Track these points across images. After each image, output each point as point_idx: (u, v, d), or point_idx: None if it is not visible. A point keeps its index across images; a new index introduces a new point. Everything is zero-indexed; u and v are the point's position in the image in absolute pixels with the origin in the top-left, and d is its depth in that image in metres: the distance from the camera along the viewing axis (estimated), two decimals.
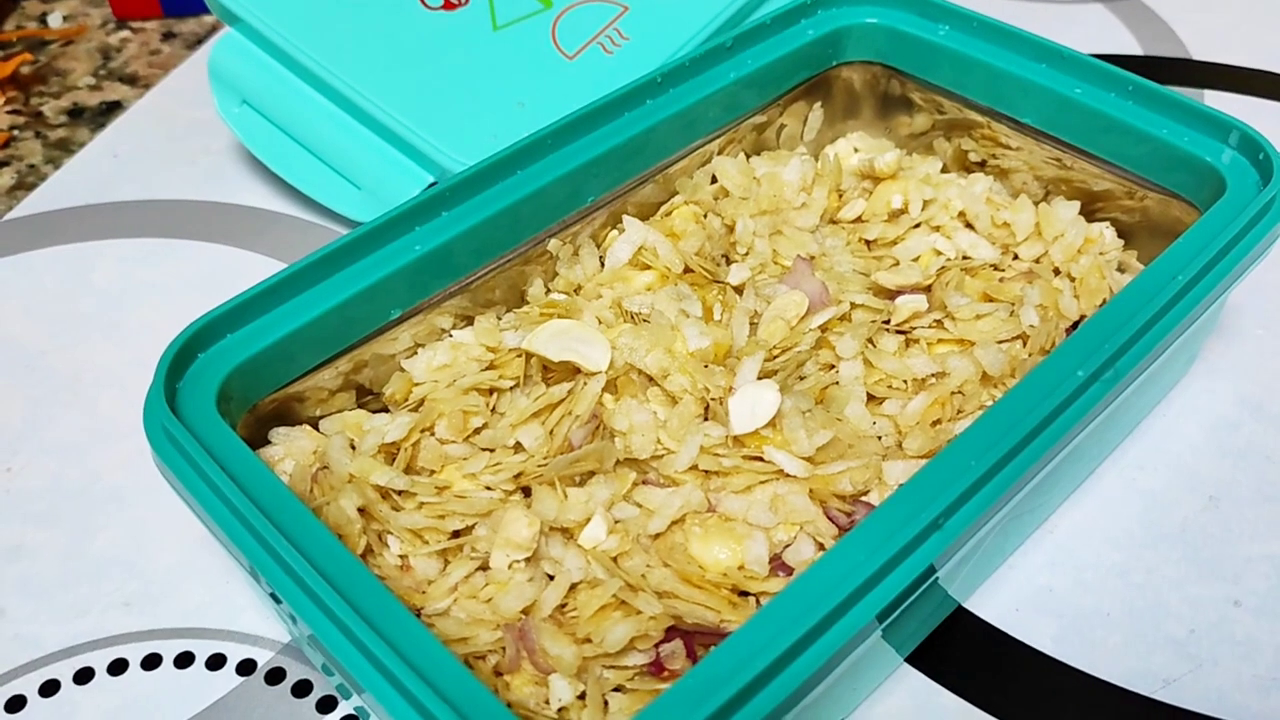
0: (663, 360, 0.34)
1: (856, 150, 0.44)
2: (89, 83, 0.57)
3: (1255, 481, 0.36)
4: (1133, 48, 0.54)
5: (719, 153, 0.41)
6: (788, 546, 0.30)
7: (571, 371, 0.34)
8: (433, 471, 0.32)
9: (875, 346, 0.35)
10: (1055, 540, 0.35)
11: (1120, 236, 0.39)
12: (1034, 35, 0.39)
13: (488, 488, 0.32)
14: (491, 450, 0.33)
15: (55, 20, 0.61)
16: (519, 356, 0.34)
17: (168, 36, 0.60)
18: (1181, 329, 0.30)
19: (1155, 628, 0.32)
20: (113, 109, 0.54)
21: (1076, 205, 0.39)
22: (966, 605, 0.33)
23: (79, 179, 0.50)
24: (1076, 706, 0.31)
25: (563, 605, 0.29)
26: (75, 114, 0.54)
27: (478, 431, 0.33)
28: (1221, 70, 0.52)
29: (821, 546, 0.30)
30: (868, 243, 0.40)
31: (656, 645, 0.28)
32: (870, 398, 0.34)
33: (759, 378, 0.33)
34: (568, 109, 0.36)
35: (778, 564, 0.30)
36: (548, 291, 0.37)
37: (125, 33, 0.60)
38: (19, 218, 0.48)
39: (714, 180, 0.41)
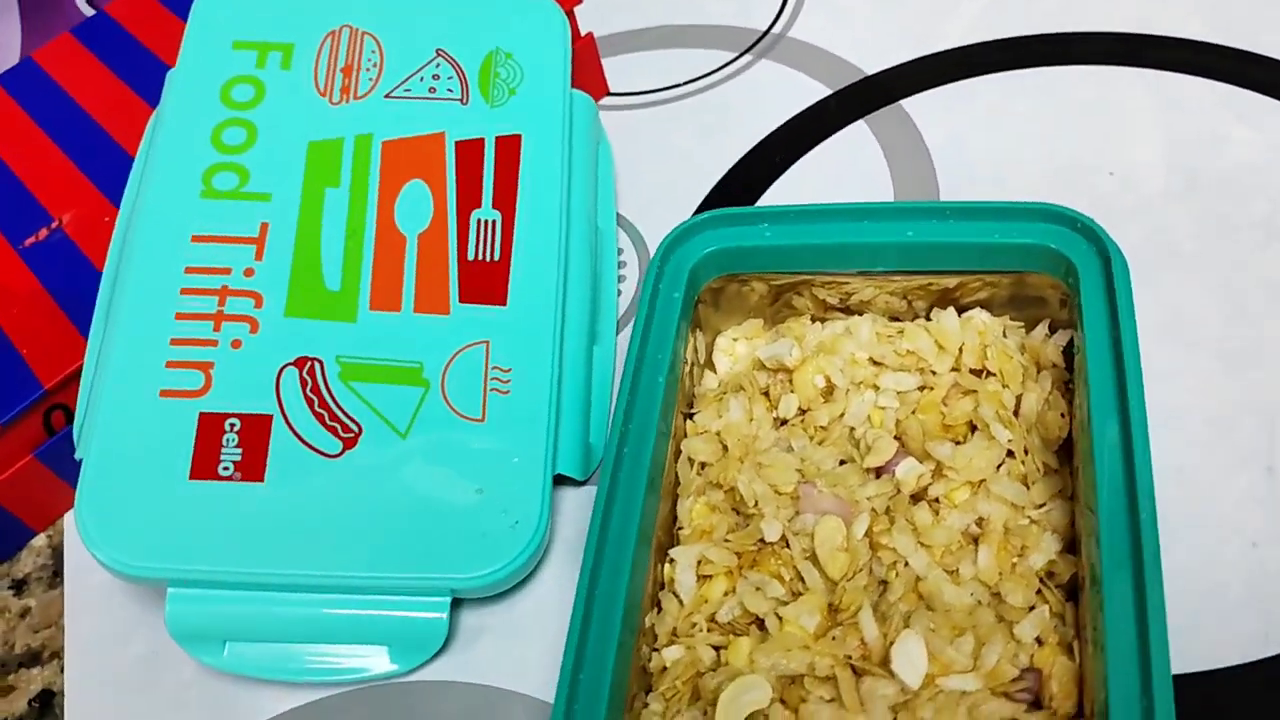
0: (800, 658, 0.38)
1: (735, 340, 0.48)
2: None
3: None
4: (819, 91, 0.60)
5: None
6: None
7: None
8: None
9: (916, 526, 0.41)
10: None
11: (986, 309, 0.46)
12: (846, 204, 0.45)
13: None
14: None
15: None
16: None
17: None
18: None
19: None
20: None
21: (953, 311, 0.45)
22: None
23: None
24: None
25: None
26: None
27: None
28: (898, 73, 0.60)
29: None
30: (821, 429, 0.45)
31: None
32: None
33: None
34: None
35: None
36: None
37: None
38: None
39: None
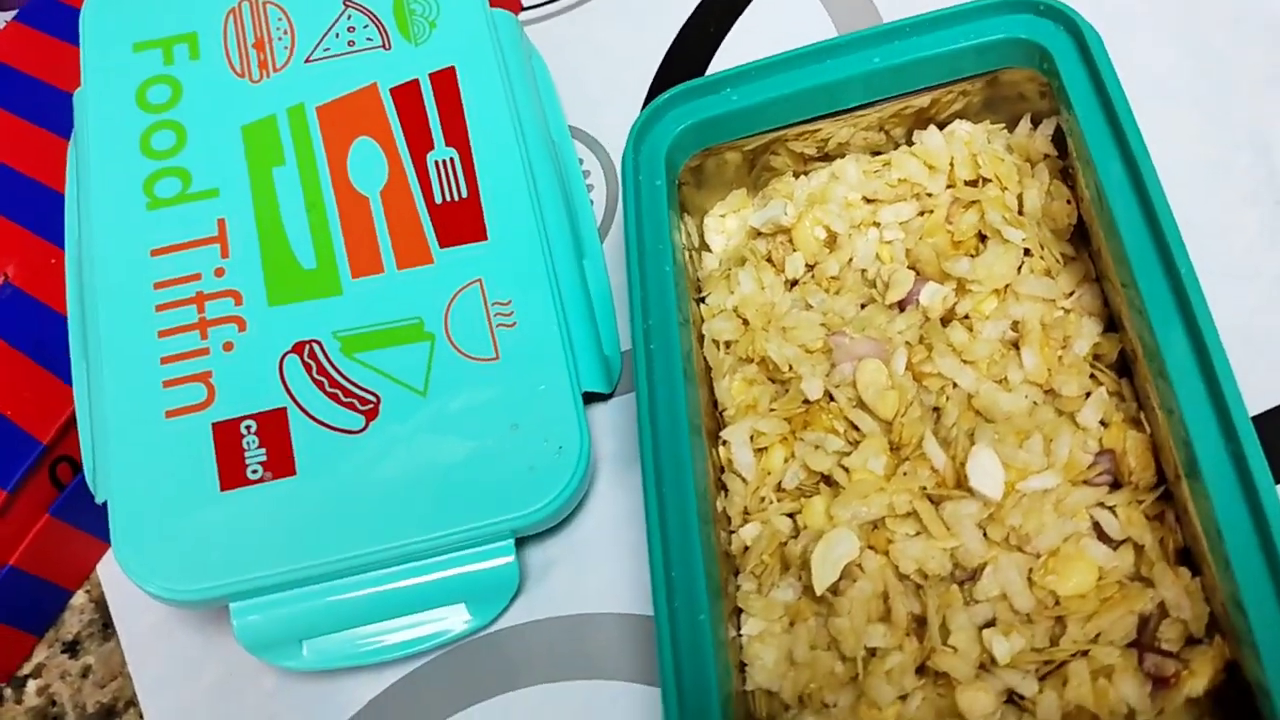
0: (876, 501, 0.38)
1: (724, 216, 0.47)
2: None
3: None
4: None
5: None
6: None
7: None
8: None
9: (955, 347, 0.41)
10: None
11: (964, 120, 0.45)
12: (806, 47, 0.43)
13: None
14: None
15: None
16: None
17: None
18: None
19: None
20: None
21: (934, 129, 0.45)
22: None
23: None
24: None
25: None
26: None
27: None
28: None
29: None
30: (833, 279, 0.44)
31: None
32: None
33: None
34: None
35: None
36: None
37: None
38: None
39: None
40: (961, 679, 0.35)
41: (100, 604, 0.50)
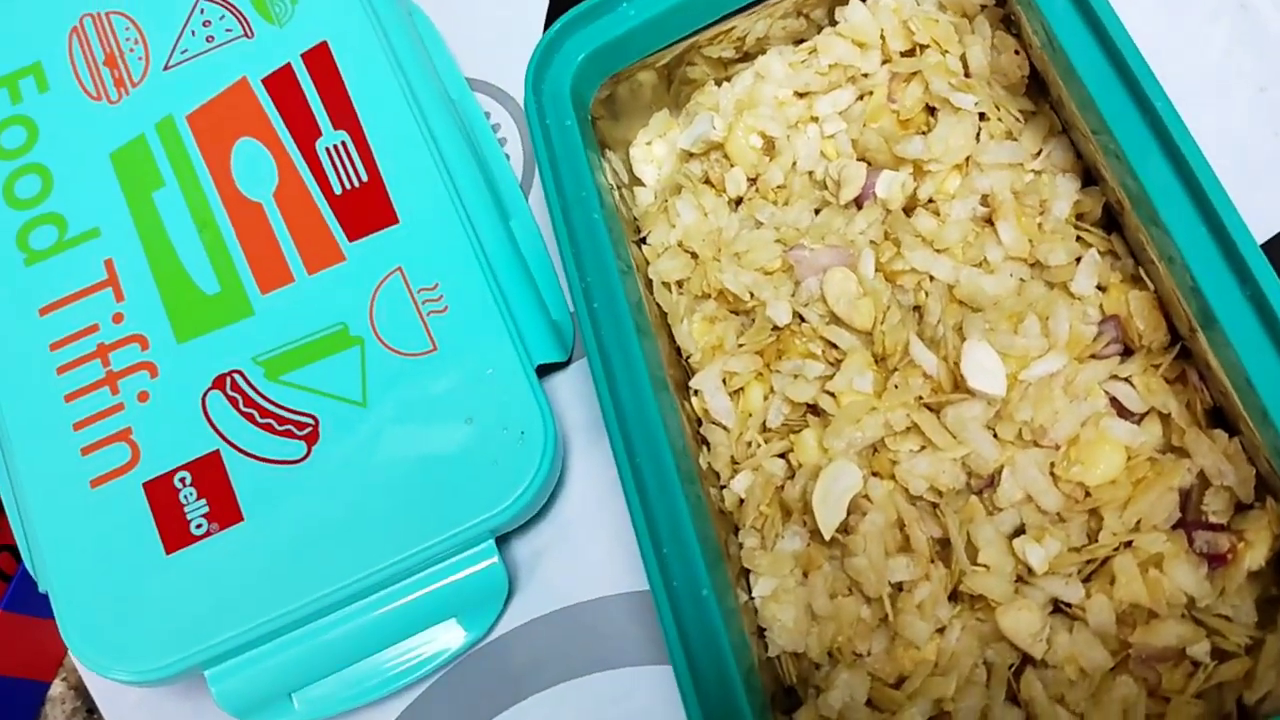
0: (871, 423, 0.34)
1: (649, 144, 0.43)
2: None
3: None
4: None
5: None
6: None
7: None
8: None
9: (924, 236, 0.37)
10: None
11: None
12: None
13: None
14: None
15: None
16: None
17: None
18: None
19: None
20: None
21: (855, 2, 0.40)
22: None
23: None
24: None
25: None
26: None
27: None
28: None
29: None
30: (780, 188, 0.40)
31: None
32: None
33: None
34: None
35: None
36: None
37: None
38: None
39: None
40: (999, 598, 0.32)
41: (80, 690, 0.46)
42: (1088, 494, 0.32)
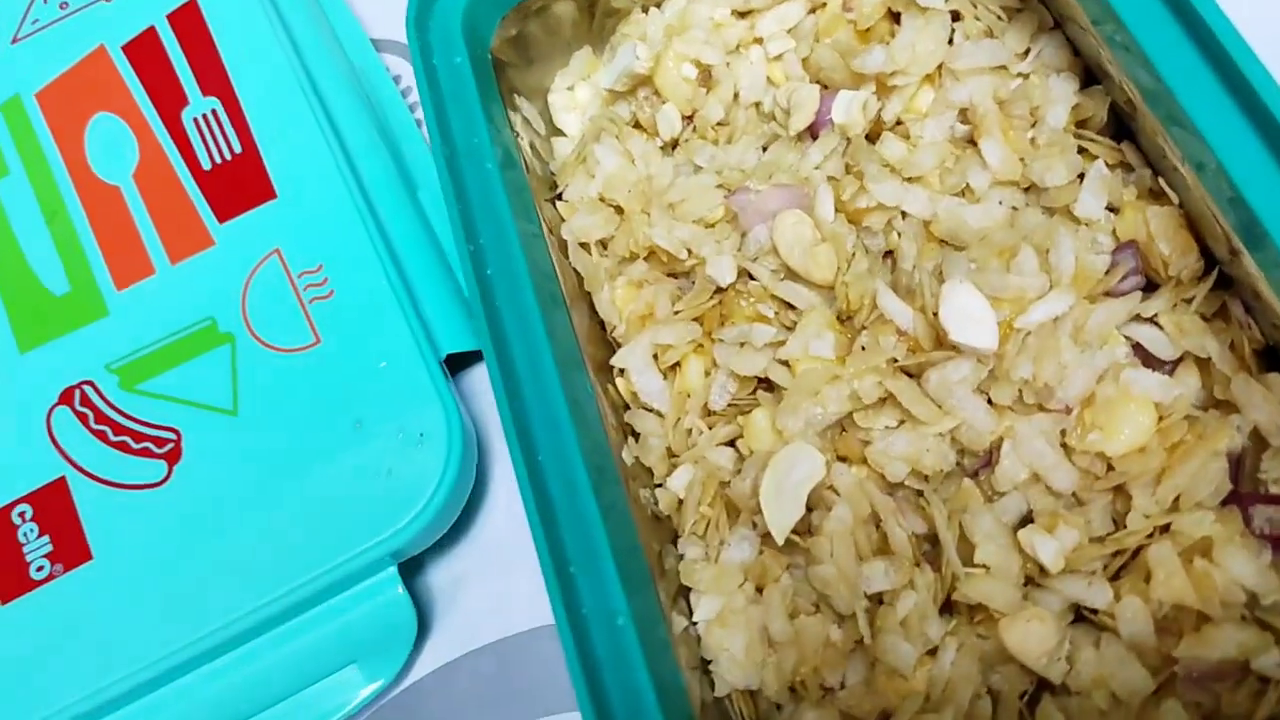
0: (835, 394, 0.27)
1: (570, 88, 0.37)
2: None
3: None
4: None
5: None
6: None
7: None
8: None
9: (892, 165, 0.30)
10: None
11: None
12: None
13: None
14: None
15: None
16: None
17: None
18: None
19: None
20: None
21: None
22: None
23: None
24: None
25: None
26: None
27: None
28: None
29: None
30: (720, 124, 0.33)
31: None
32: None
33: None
34: None
35: None
36: None
37: None
38: None
39: None
40: (1004, 607, 0.25)
41: None
42: (1110, 468, 0.25)
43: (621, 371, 0.30)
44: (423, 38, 0.32)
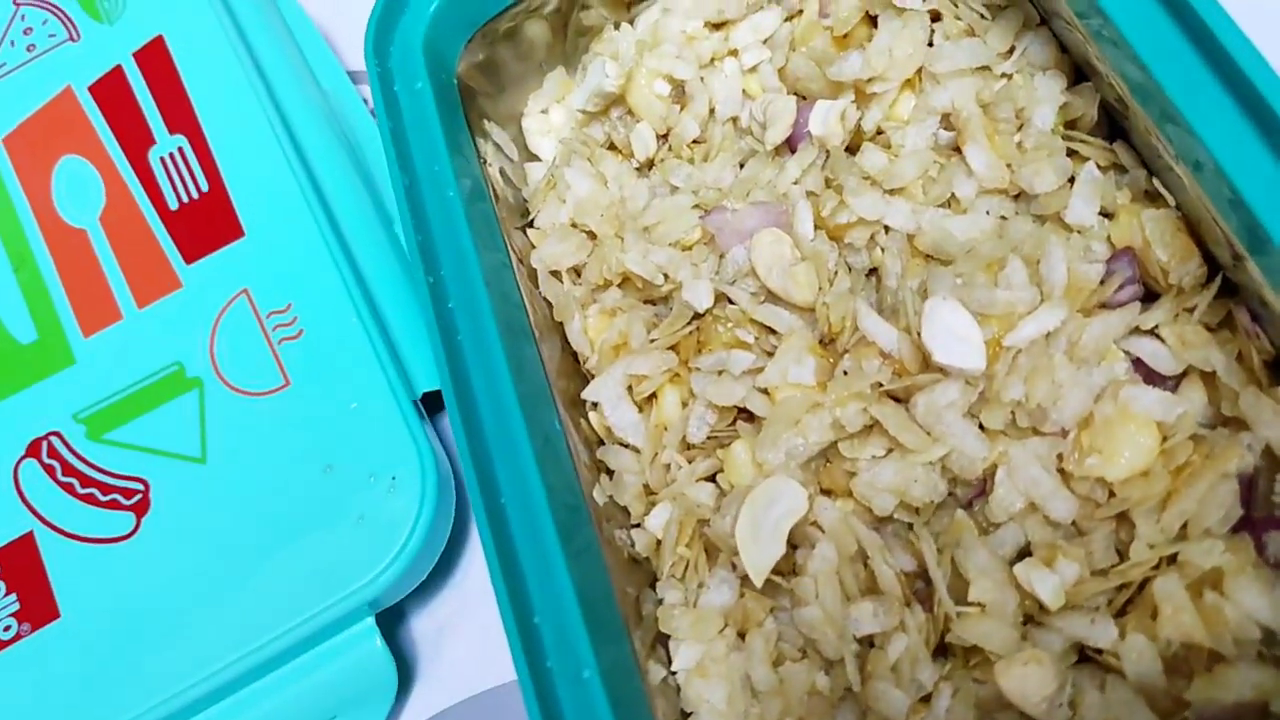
0: (816, 424, 0.26)
1: (544, 111, 0.35)
2: None
3: None
4: None
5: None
6: None
7: None
8: None
9: (872, 177, 0.28)
10: None
11: None
12: None
13: None
14: None
15: None
16: None
17: None
18: None
19: None
20: None
21: None
22: None
23: None
24: None
25: None
26: None
27: None
28: None
29: None
30: (696, 143, 0.32)
31: None
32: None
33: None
34: None
35: None
36: None
37: None
38: None
39: None
40: (1000, 649, 0.23)
41: None
42: (1112, 494, 0.23)
43: (594, 405, 0.29)
44: (382, 64, 0.31)
